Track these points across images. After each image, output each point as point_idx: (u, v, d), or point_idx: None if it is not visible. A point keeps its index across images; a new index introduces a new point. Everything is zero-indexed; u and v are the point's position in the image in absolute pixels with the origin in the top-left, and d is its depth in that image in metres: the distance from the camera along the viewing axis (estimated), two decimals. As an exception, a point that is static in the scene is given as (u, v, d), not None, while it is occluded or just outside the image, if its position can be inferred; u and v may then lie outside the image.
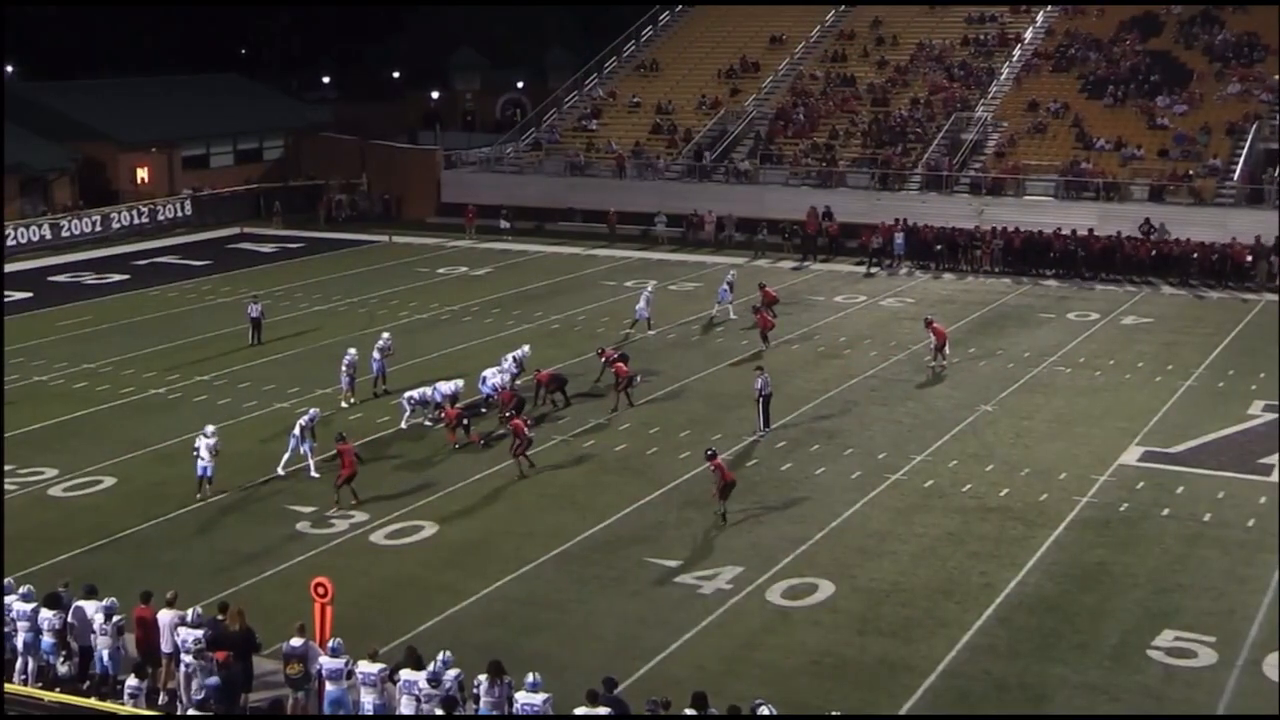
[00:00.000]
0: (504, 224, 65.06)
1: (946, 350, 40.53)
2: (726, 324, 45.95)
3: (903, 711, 20.86)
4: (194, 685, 19.98)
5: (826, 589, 25.08)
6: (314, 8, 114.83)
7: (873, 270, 56.54)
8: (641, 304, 45.02)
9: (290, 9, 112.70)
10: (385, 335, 39.05)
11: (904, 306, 49.58)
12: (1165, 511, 28.93)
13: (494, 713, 18.97)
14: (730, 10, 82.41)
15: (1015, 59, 72.59)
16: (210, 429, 30.00)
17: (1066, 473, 31.25)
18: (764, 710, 18.29)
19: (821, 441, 33.65)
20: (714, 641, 23.06)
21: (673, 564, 26.17)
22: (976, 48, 74.30)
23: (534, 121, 78.71)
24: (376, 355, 37.85)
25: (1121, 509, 29.07)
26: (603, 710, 18.51)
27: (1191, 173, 60.00)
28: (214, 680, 19.89)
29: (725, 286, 47.13)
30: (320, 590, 20.38)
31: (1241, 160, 60.52)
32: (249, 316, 43.32)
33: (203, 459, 29.45)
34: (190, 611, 20.89)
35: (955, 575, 25.73)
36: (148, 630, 21.07)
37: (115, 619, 21.00)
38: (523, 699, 18.81)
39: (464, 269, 57.48)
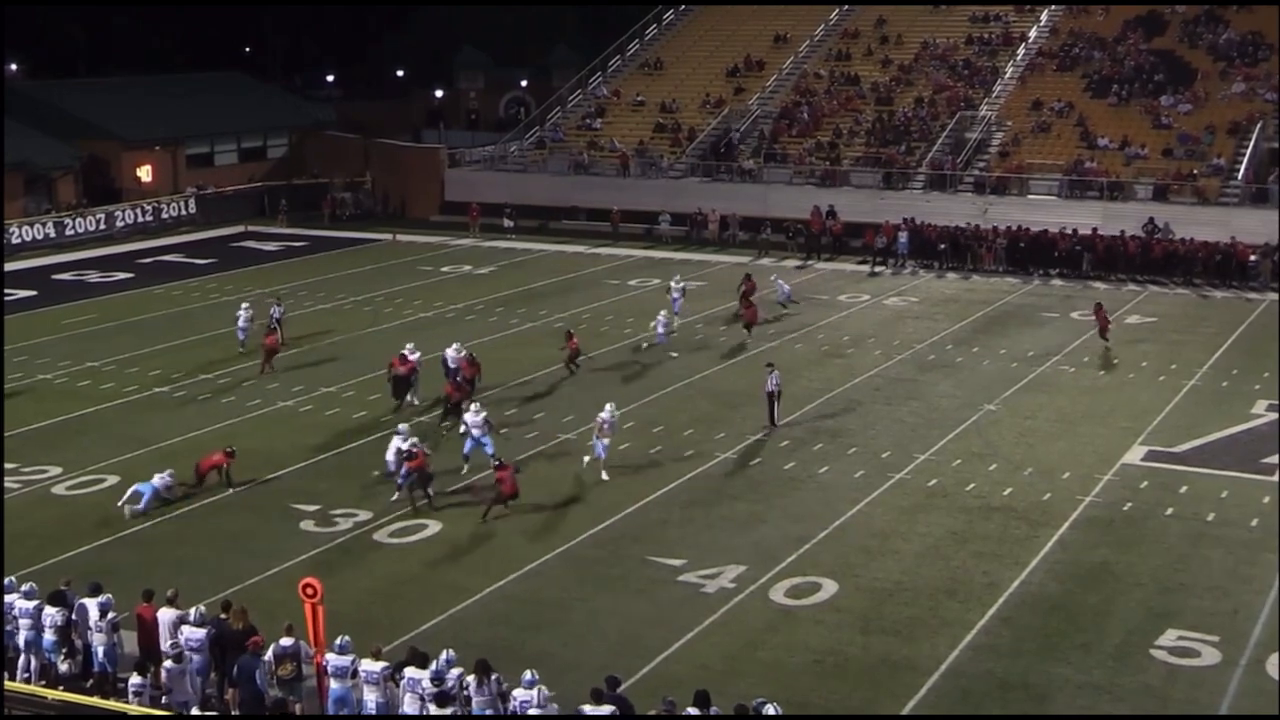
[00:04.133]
0: (507, 222, 65.07)
1: (1108, 336, 42.53)
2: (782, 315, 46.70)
3: (905, 711, 20.85)
4: (183, 684, 19.85)
5: (830, 588, 25.08)
6: (319, 6, 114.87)
7: (877, 269, 56.54)
8: (787, 289, 47.44)
9: (295, 7, 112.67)
10: (245, 306, 43.10)
11: (908, 306, 49.58)
12: (1169, 511, 28.91)
13: (487, 711, 18.99)
14: (734, 9, 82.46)
15: (1019, 58, 72.62)
16: (404, 428, 30.85)
17: (1070, 472, 31.23)
18: (769, 709, 18.27)
19: (825, 440, 33.64)
20: (717, 640, 23.05)
21: (676, 563, 26.16)
22: (980, 47, 74.31)
23: (538, 120, 78.78)
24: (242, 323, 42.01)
25: (1125, 508, 29.06)
26: (607, 709, 18.52)
27: (1195, 172, 60.00)
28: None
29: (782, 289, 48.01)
30: (309, 591, 20.31)
31: (1245, 160, 60.52)
32: (272, 318, 42.98)
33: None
34: (193, 610, 20.91)
35: (958, 574, 25.72)
36: (149, 628, 21.09)
37: (110, 615, 20.99)
38: (520, 696, 18.86)
39: (468, 267, 57.51)
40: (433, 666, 19.29)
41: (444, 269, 57.10)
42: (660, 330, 42.66)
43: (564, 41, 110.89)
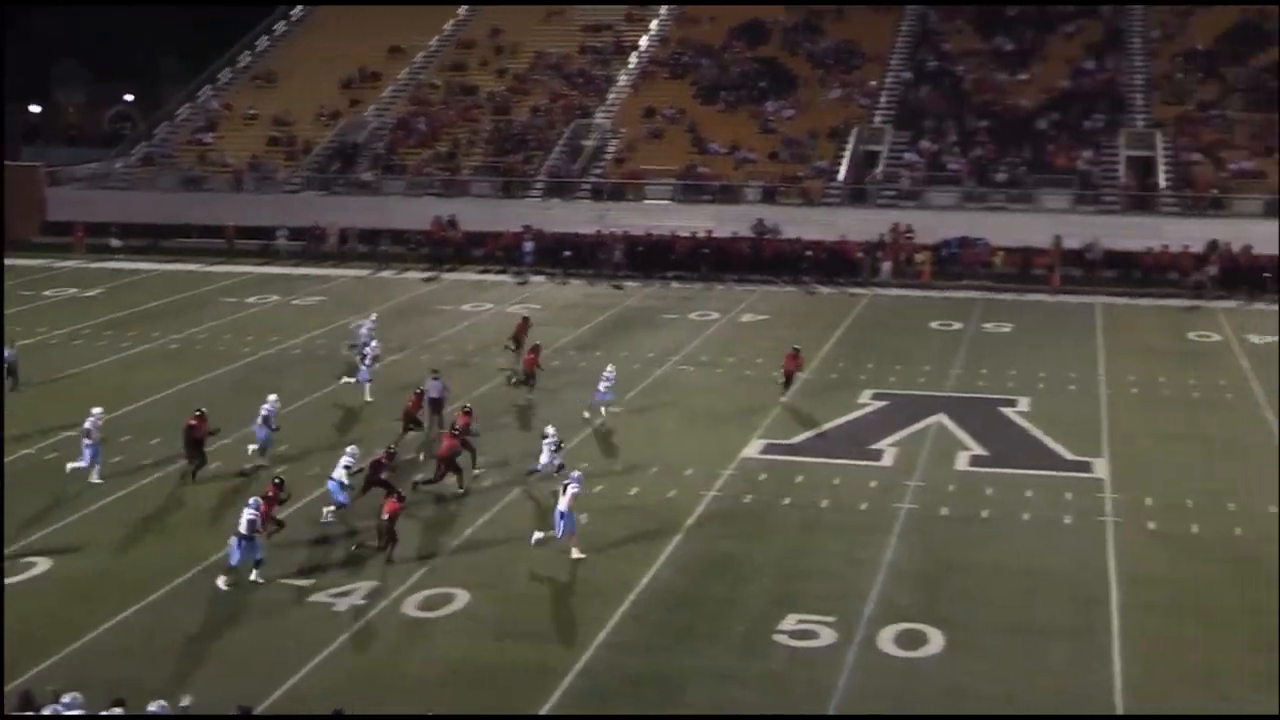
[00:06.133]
0: (115, 242, 62.54)
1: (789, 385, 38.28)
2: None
3: (543, 713, 20.99)
4: None
5: (462, 598, 25.03)
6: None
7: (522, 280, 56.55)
8: (365, 332, 41.57)
9: None
10: None
11: (531, 313, 49.90)
12: (786, 500, 30.10)
13: None
14: (347, 20, 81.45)
15: (631, 66, 74.36)
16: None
17: (693, 469, 32.11)
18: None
19: (454, 450, 33.50)
20: (351, 658, 22.71)
21: (305, 583, 25.63)
22: (594, 55, 75.70)
23: (144, 135, 76.01)
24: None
25: (746, 500, 30.10)
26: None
27: (801, 174, 62.78)
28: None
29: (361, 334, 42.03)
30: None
31: (845, 162, 63.65)
32: (5, 359, 38.99)
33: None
34: None
35: (589, 576, 26.08)
36: None
37: None
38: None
39: (74, 290, 54.87)
40: (52, 707, 18.38)
41: (47, 293, 54.32)
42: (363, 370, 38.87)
43: (171, 53, 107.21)
